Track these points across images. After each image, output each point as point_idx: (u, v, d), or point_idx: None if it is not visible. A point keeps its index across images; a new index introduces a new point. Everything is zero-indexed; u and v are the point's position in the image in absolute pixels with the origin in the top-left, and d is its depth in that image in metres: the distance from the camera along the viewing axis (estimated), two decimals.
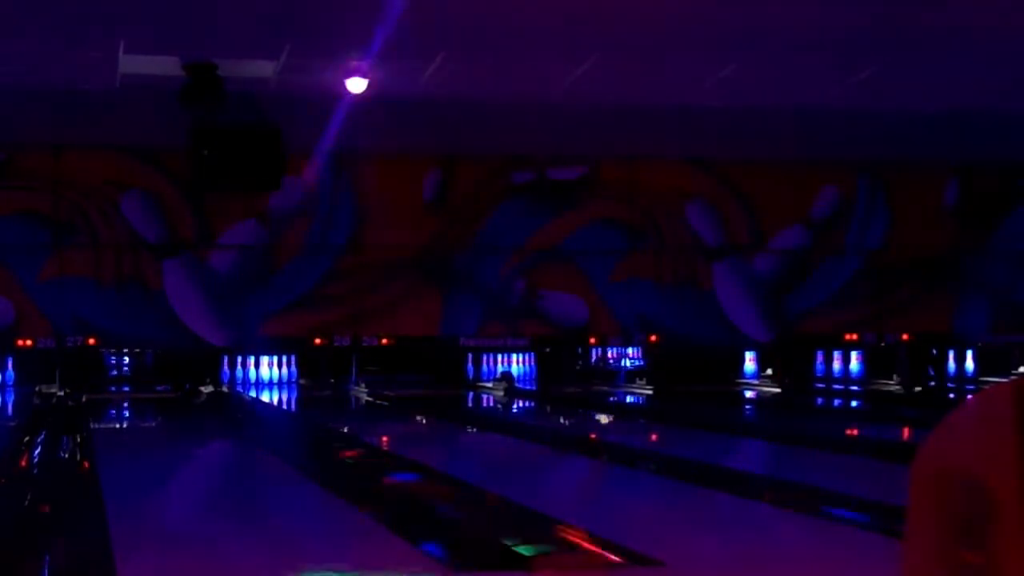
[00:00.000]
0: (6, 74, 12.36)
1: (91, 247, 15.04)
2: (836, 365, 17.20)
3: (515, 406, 14.70)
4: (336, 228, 15.56)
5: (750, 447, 10.29)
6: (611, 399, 15.56)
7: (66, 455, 9.22)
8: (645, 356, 16.73)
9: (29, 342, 14.91)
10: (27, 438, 9.93)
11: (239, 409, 13.69)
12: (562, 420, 13.79)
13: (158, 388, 15.25)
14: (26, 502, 6.67)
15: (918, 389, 15.85)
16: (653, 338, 16.35)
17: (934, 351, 17.21)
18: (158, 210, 15.18)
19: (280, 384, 15.89)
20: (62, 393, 14.35)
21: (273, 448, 9.76)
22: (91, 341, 15.00)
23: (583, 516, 5.93)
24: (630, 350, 16.78)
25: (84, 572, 4.94)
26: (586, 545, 5.23)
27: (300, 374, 16.02)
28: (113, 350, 15.42)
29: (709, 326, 16.42)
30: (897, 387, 16.26)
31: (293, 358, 16.02)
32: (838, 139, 15.44)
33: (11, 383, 15.18)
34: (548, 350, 16.43)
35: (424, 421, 13.29)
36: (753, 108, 14.14)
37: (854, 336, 16.84)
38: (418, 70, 12.39)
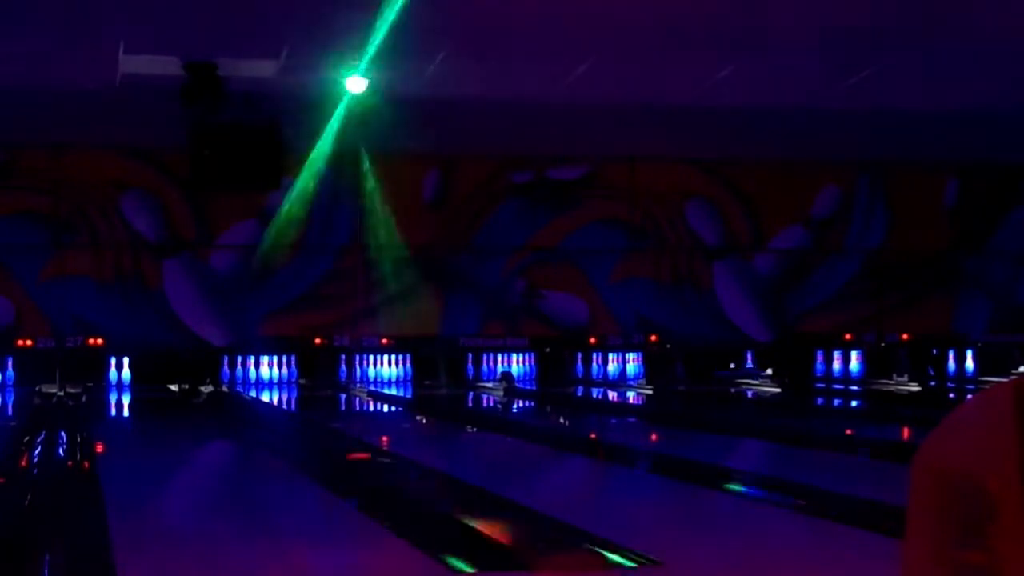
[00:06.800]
0: (6, 74, 12.36)
1: (91, 247, 15.04)
2: (836, 365, 17.19)
3: (515, 406, 14.69)
4: (336, 228, 15.57)
5: (750, 447, 10.28)
6: (610, 399, 15.55)
7: (66, 455, 9.21)
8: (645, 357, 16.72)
9: (29, 342, 14.91)
10: (27, 438, 9.91)
11: (239, 409, 13.68)
12: (562, 420, 13.78)
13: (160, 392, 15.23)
14: (26, 502, 6.67)
15: (917, 388, 15.85)
16: (653, 338, 16.35)
17: (934, 351, 17.20)
18: (158, 210, 15.18)
19: (280, 384, 15.88)
20: (62, 393, 14.34)
21: (273, 448, 9.75)
22: (99, 341, 15.00)
23: (583, 516, 5.93)
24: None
25: (84, 572, 4.94)
26: (586, 545, 5.22)
27: (300, 374, 16.01)
28: (114, 352, 15.40)
29: (709, 326, 16.42)
30: (897, 386, 16.23)
31: (293, 358, 16.01)
32: (838, 139, 15.44)
33: (11, 383, 15.16)
34: (548, 350, 16.42)
35: (424, 421, 13.29)
36: (753, 108, 14.13)
37: (854, 336, 16.84)
38: (418, 70, 12.39)
